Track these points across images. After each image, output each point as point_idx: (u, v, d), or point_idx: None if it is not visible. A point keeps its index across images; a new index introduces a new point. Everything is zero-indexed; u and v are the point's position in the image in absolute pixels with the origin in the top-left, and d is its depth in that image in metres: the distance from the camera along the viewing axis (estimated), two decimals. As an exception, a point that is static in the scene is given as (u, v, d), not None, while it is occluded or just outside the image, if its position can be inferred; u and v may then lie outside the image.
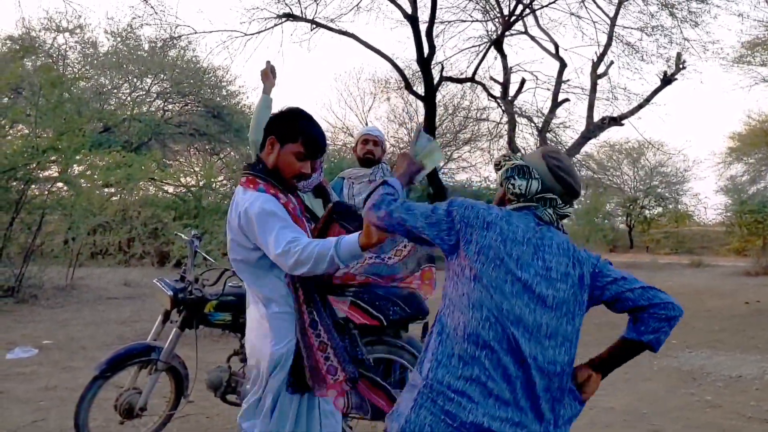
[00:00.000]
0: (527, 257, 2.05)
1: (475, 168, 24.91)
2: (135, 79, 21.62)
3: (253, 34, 11.38)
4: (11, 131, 11.31)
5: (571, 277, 2.09)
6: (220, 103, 22.42)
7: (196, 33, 12.41)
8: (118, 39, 21.33)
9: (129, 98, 21.73)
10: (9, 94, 14.51)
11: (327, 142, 2.74)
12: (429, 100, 11.07)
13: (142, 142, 20.51)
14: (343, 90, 38.29)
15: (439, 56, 12.06)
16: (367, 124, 25.27)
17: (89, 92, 20.33)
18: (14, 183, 10.61)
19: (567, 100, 12.55)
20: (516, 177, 2.13)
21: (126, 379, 3.99)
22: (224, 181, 23.63)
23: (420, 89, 12.21)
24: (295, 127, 2.61)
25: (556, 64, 12.37)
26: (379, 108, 29.34)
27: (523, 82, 12.39)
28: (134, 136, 20.00)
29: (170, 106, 22.55)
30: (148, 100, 22.01)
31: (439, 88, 14.23)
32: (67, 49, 21.63)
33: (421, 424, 1.97)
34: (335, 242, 2.37)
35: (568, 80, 12.48)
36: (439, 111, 21.78)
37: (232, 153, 24.55)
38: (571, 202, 2.22)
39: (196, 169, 23.19)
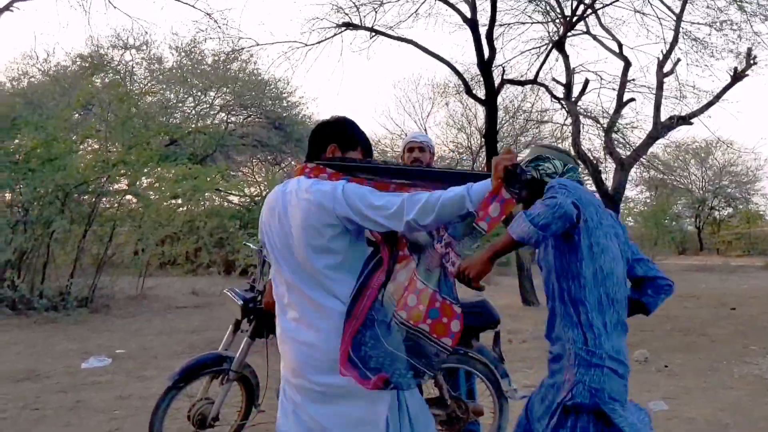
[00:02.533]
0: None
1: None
2: (199, 93, 22.08)
3: (313, 44, 11.47)
4: (82, 147, 11.66)
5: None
6: (281, 114, 22.70)
7: (258, 45, 12.62)
8: (182, 54, 21.84)
9: (193, 111, 22.23)
10: (80, 110, 15.00)
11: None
12: (490, 103, 10.93)
13: (207, 154, 20.90)
14: (401, 96, 38.24)
15: (499, 59, 11.92)
16: (425, 131, 25.21)
17: (155, 107, 20.87)
18: (86, 196, 10.93)
19: (632, 99, 12.22)
20: (540, 162, 2.65)
21: (198, 388, 4.02)
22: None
23: (480, 93, 12.07)
24: (355, 136, 2.71)
25: (621, 64, 12.09)
26: (438, 113, 29.20)
27: (586, 82, 12.12)
28: (199, 149, 20.42)
29: (233, 119, 22.96)
30: (211, 113, 22.45)
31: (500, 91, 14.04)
32: (134, 65, 22.30)
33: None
34: (466, 186, 2.33)
35: (633, 79, 12.15)
36: (500, 114, 21.59)
37: (293, 163, 24.87)
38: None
39: (259, 179, 23.60)
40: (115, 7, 14.44)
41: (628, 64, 12.10)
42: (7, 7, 9.10)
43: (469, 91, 11.58)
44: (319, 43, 11.39)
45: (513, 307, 11.44)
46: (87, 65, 21.23)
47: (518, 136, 23.11)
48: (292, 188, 2.53)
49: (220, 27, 12.25)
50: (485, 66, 10.71)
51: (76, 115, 14.87)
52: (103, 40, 23.91)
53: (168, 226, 12.43)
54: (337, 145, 2.65)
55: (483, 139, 13.05)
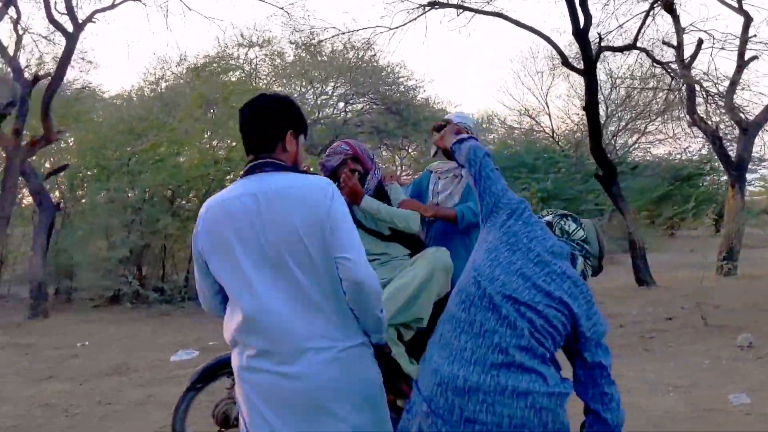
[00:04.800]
0: None
1: (673, 139, 22.87)
2: (318, 85, 22.53)
3: (397, 27, 11.33)
4: (192, 147, 12.18)
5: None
6: (399, 98, 22.69)
7: (342, 33, 12.67)
8: (301, 47, 22.31)
9: (314, 103, 22.72)
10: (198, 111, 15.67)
11: None
12: (588, 73, 10.33)
13: (326, 143, 21.28)
14: (519, 70, 36.97)
15: (612, 24, 11.20)
16: (547, 105, 24.36)
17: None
18: (193, 193, 11.44)
19: (755, 57, 11.10)
20: (568, 219, 2.43)
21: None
22: (411, 175, 24.21)
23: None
24: (304, 119, 2.47)
25: (733, 20, 11.03)
26: (559, 86, 27.96)
27: (700, 43, 11.11)
28: (317, 140, 20.84)
29: (351, 107, 23.27)
30: (330, 103, 22.85)
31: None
32: (258, 62, 23.06)
33: None
34: None
35: (754, 36, 11.01)
36: (627, 83, 20.37)
37: (414, 147, 24.87)
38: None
39: (383, 165, 23.78)
40: (190, 9, 14.75)
41: (748, 20, 11.01)
42: (89, 19, 9.63)
43: (565, 62, 11.00)
44: (403, 25, 11.24)
45: (626, 288, 10.83)
46: (215, 65, 22.25)
47: (647, 104, 21.77)
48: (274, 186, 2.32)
49: (291, 18, 12.47)
50: (581, 34, 10.11)
51: (209, 114, 15.57)
52: (228, 40, 24.89)
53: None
54: (294, 131, 2.39)
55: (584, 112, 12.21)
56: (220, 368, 3.95)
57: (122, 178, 10.23)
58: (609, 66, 20.40)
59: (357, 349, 2.34)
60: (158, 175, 10.16)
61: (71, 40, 9.24)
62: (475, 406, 1.95)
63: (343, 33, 13.04)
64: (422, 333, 3.71)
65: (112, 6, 9.86)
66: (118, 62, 49.71)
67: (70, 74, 12.83)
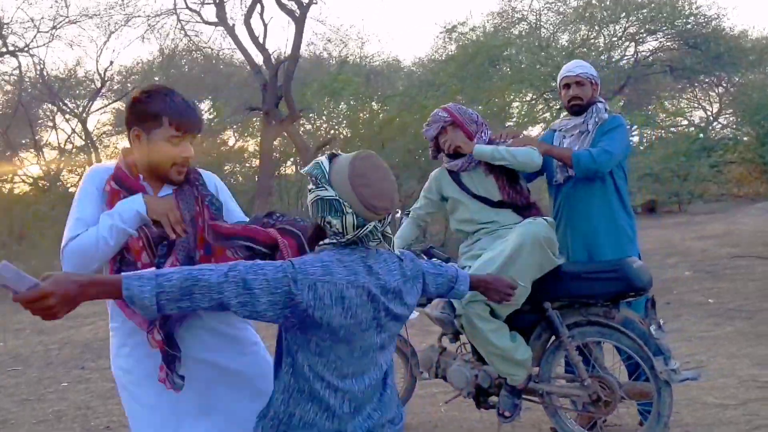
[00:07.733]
0: None
1: None
2: (606, 26, 21.15)
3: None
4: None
5: None
6: (699, 30, 20.27)
7: None
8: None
9: (602, 47, 21.39)
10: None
11: (199, 113, 2.17)
12: None
13: (615, 90, 19.86)
14: None
15: None
16: None
17: (565, 49, 20.70)
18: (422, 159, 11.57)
19: None
20: (328, 214, 1.79)
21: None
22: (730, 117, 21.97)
23: None
24: (154, 107, 2.09)
25: None
26: None
27: None
28: (605, 86, 19.62)
29: (641, 48, 21.49)
30: (618, 44, 21.31)
31: None
32: (542, 11, 22.38)
33: None
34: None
35: None
36: None
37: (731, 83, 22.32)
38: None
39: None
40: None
41: None
42: (312, 1, 10.15)
43: None
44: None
45: None
46: (499, 22, 22.19)
47: None
48: None
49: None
50: None
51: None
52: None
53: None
54: (139, 127, 2.11)
55: None
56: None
57: (372, 145, 10.73)
58: None
59: None
60: (403, 140, 10.43)
61: (299, 22, 9.90)
62: None
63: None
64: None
65: (328, -15, 10.34)
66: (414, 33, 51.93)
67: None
